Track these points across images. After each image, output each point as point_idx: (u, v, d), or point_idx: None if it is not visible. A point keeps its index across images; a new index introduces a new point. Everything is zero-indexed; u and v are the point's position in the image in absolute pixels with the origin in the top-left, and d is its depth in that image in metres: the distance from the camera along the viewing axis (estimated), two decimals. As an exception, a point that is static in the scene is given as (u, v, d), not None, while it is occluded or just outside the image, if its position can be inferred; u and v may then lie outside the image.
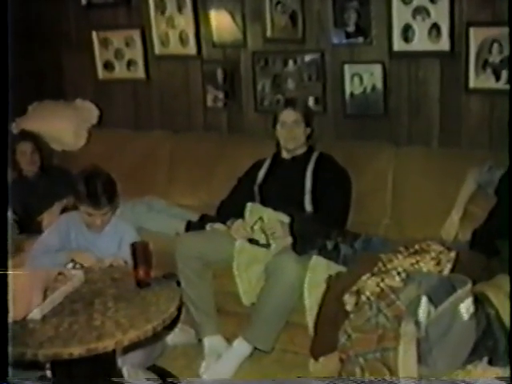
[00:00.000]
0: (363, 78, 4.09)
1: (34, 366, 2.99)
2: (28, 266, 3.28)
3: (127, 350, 3.00)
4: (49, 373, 3.05)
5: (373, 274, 2.65)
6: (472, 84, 3.76)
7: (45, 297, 2.68)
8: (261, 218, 3.50)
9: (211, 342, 3.44)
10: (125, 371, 3.09)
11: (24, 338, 2.46)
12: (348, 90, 4.15)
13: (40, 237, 3.50)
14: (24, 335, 2.44)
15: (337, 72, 4.17)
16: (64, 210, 3.88)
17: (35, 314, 2.59)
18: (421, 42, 3.85)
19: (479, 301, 2.32)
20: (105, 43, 5.02)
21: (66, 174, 4.33)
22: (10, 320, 1.84)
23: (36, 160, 4.38)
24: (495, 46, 3.64)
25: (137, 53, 4.93)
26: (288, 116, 3.68)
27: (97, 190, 3.28)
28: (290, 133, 3.69)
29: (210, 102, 4.72)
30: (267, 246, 3.43)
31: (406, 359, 2.18)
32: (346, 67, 4.13)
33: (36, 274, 2.60)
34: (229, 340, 3.44)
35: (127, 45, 4.94)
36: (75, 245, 3.43)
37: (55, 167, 4.49)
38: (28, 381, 3.11)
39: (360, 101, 4.15)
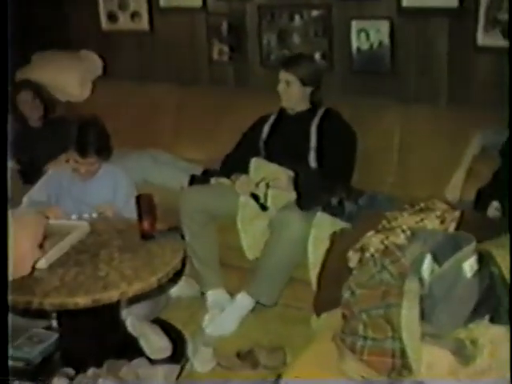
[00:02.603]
0: (370, 33, 4.05)
1: (41, 315, 3.03)
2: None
3: (132, 301, 3.03)
4: (55, 322, 3.10)
5: (377, 231, 2.64)
6: (481, 41, 3.71)
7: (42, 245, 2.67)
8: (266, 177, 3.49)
9: (214, 295, 3.48)
10: (129, 323, 3.13)
11: (30, 287, 2.48)
12: (355, 46, 4.11)
13: (29, 191, 3.49)
14: (30, 283, 2.46)
15: (343, 28, 4.12)
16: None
17: (41, 263, 2.61)
18: (430, -3, 3.79)
19: (483, 259, 2.32)
20: (109, -6, 4.96)
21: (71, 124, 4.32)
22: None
23: (38, 107, 4.36)
24: (505, 2, 3.58)
25: (141, 4, 4.86)
26: (282, 76, 3.63)
27: (87, 138, 3.28)
28: (284, 93, 3.65)
29: (215, 56, 4.67)
30: (264, 208, 3.42)
31: (409, 316, 2.19)
32: (353, 23, 4.07)
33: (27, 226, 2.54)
34: (232, 294, 3.47)
35: (131, -4, 4.88)
36: (67, 195, 3.43)
37: (61, 118, 4.46)
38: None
39: (367, 57, 4.11)
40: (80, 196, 3.40)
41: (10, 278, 2.22)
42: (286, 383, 2.34)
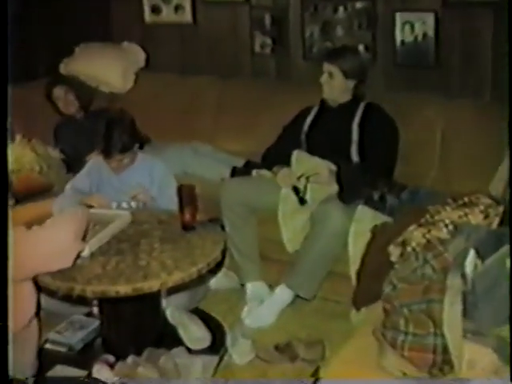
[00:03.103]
0: (415, 26, 4.00)
1: (82, 302, 3.06)
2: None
3: (171, 291, 3.04)
4: (96, 310, 3.14)
5: (419, 225, 2.61)
6: (527, 34, 3.64)
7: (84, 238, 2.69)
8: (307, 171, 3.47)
9: (254, 287, 3.48)
10: (168, 312, 3.15)
11: (73, 274, 2.51)
12: (399, 38, 4.07)
13: (72, 179, 3.54)
14: (73, 271, 2.49)
15: (388, 20, 4.08)
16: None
17: (84, 251, 2.64)
18: (476, -10, 3.73)
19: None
20: (153, -14, 4.99)
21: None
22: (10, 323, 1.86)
23: (71, 102, 4.41)
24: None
25: (184, -3, 4.88)
26: (325, 67, 3.60)
27: (110, 139, 3.29)
28: (326, 84, 3.62)
29: (257, 48, 4.67)
30: (303, 201, 3.39)
31: (452, 312, 2.16)
32: (398, 15, 4.03)
33: (71, 221, 2.55)
34: (271, 286, 3.47)
35: (175, -12, 4.90)
36: (108, 185, 3.47)
37: (101, 110, 4.51)
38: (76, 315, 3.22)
39: (411, 50, 4.07)
40: (118, 186, 3.43)
41: (48, 270, 2.26)
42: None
